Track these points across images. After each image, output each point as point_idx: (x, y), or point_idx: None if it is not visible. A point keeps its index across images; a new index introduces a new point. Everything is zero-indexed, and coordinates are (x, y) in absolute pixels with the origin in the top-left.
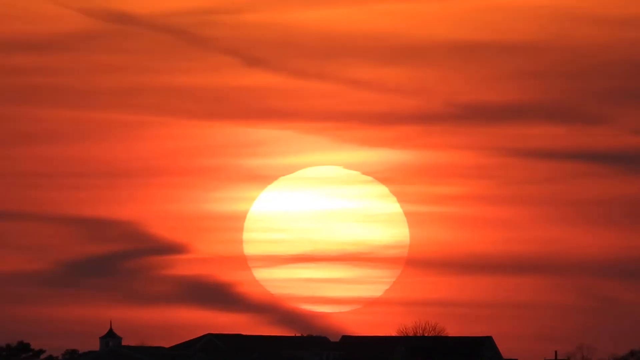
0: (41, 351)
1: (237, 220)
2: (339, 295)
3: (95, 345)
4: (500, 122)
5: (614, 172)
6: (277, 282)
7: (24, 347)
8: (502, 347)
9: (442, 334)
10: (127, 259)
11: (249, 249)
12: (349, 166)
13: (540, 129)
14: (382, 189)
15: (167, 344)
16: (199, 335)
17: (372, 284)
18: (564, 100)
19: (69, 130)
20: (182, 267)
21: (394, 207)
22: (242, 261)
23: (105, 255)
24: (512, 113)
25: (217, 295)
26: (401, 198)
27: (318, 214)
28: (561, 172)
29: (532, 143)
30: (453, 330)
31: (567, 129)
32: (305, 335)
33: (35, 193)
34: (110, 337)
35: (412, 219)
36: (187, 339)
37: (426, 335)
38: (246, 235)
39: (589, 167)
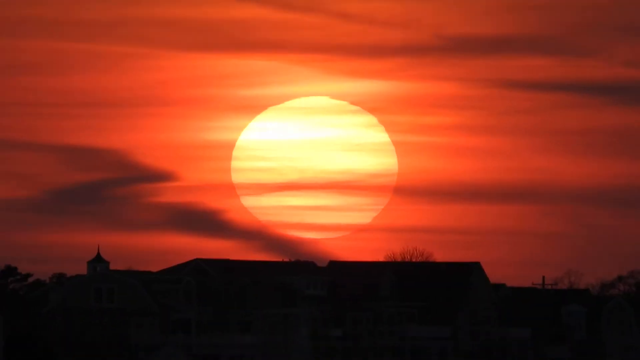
0: (29, 275)
1: (225, 149)
2: (326, 222)
3: (82, 270)
4: (489, 53)
5: (599, 103)
6: (264, 209)
7: (11, 270)
8: (490, 273)
9: (430, 260)
10: (114, 186)
11: (237, 177)
12: (337, 96)
13: (528, 60)
14: (370, 119)
15: (155, 269)
16: (186, 261)
17: (360, 212)
18: (553, 32)
19: (59, 61)
20: (170, 195)
21: (382, 136)
22: (231, 189)
23: (92, 183)
24: (501, 45)
25: (205, 221)
26: (389, 128)
27: (306, 143)
28: (547, 103)
29: (518, 74)
30: (440, 256)
31: (555, 61)
32: (293, 260)
33: (23, 122)
34: (98, 261)
35: (399, 148)
36: (175, 264)
37: (414, 261)
38: (235, 164)
39: (575, 98)
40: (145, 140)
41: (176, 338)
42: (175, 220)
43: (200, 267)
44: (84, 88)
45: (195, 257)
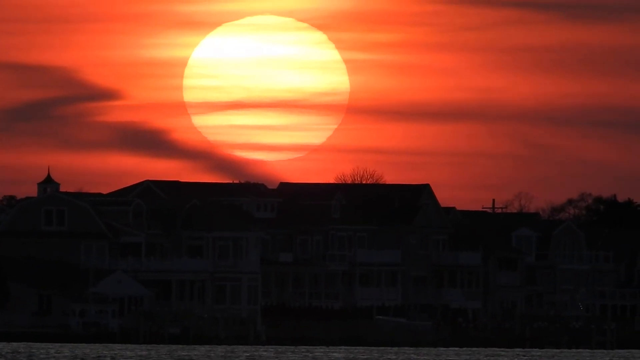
0: None
1: (171, 67)
2: (276, 142)
3: (33, 192)
4: None
5: (548, 19)
6: (212, 128)
7: None
8: (440, 195)
9: (380, 182)
10: (61, 105)
11: (183, 96)
12: (283, 13)
13: None
14: (319, 36)
15: (105, 191)
16: (136, 182)
17: (311, 131)
18: None
19: None
20: (117, 114)
21: (332, 53)
22: (177, 108)
23: (38, 102)
24: None
25: (153, 141)
26: (339, 45)
27: (254, 61)
28: (496, 19)
29: None
30: (391, 178)
31: None
32: (243, 182)
33: None
34: (48, 183)
35: (350, 66)
36: (124, 185)
37: (364, 182)
38: (181, 82)
39: (526, 14)
40: (90, 57)
41: (126, 262)
42: (123, 139)
43: (150, 189)
44: (20, 3)
45: (143, 178)
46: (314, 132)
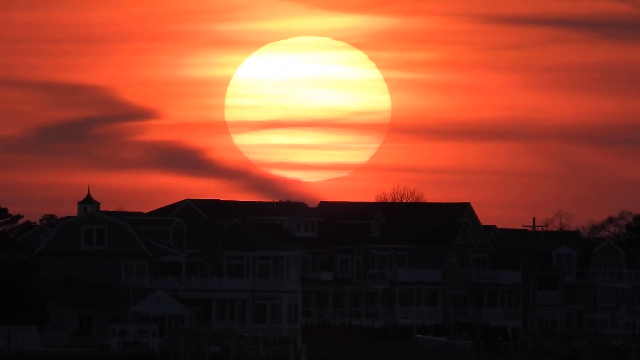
0: (19, 216)
1: (207, 86)
2: (316, 162)
3: (73, 211)
4: None
5: (587, 38)
6: (250, 147)
7: (1, 211)
8: (480, 214)
9: (420, 201)
10: (98, 125)
11: (219, 115)
12: (321, 33)
13: None
14: (359, 55)
15: (145, 209)
16: (175, 201)
17: (351, 150)
18: None
19: None
20: (155, 133)
21: (373, 72)
22: (214, 127)
23: (76, 121)
24: None
25: (190, 160)
26: (379, 64)
27: (292, 81)
28: (534, 38)
29: (505, 8)
30: (431, 196)
31: None
32: (283, 201)
33: (5, 59)
34: (88, 202)
35: (390, 84)
36: (164, 204)
37: (404, 201)
38: (218, 101)
39: (563, 33)
40: (129, 76)
41: (166, 281)
42: (162, 158)
43: (190, 208)
44: (59, 23)
45: (182, 197)
46: (354, 151)
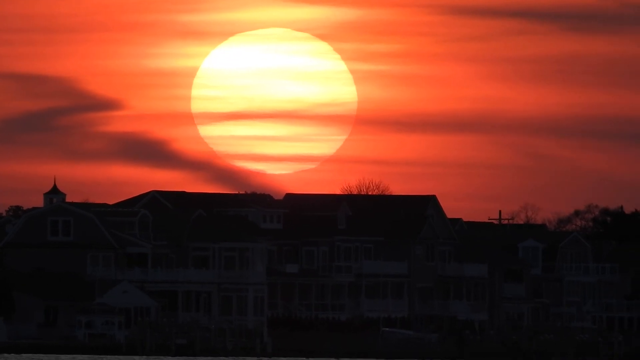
0: None
1: (170, 77)
2: (281, 153)
3: (39, 202)
4: None
5: (550, 29)
6: (214, 139)
7: None
8: (446, 206)
9: (386, 193)
10: (63, 115)
11: (183, 106)
12: (288, 24)
13: None
14: (324, 46)
15: (111, 201)
16: (141, 193)
17: (315, 142)
18: None
19: None
20: (119, 124)
21: (339, 64)
22: (177, 118)
23: (41, 112)
24: None
25: (155, 152)
26: (344, 56)
27: (259, 72)
28: (497, 29)
29: (469, 0)
30: (396, 189)
31: None
32: (249, 193)
33: None
34: (54, 193)
35: (356, 76)
36: (130, 195)
37: (370, 193)
38: (183, 92)
39: (525, 24)
40: (93, 66)
41: (132, 272)
42: (127, 149)
43: (156, 200)
44: (23, 13)
45: (148, 188)
46: (319, 142)
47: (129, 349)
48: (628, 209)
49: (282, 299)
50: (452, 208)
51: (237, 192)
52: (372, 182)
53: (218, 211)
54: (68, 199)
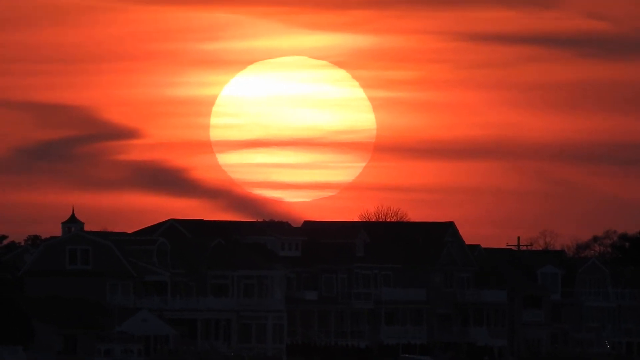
0: (4, 237)
1: (189, 105)
2: (300, 181)
3: (57, 231)
4: (451, 5)
5: (562, 56)
6: (232, 167)
7: None
8: (464, 233)
9: (404, 220)
10: (82, 144)
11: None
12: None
13: (491, 13)
14: (342, 73)
15: (129, 229)
16: (159, 221)
17: (334, 170)
18: None
19: (19, 16)
20: (137, 152)
21: (357, 91)
22: (195, 146)
23: (59, 141)
24: None
25: (172, 180)
26: (362, 83)
27: (276, 100)
28: (511, 56)
29: (481, 27)
30: (414, 215)
31: (518, 13)
32: (267, 220)
33: None
34: (72, 222)
35: (374, 103)
36: (148, 224)
37: (388, 220)
38: (201, 121)
39: (538, 51)
40: (110, 96)
41: (151, 300)
42: (145, 178)
43: (174, 228)
44: (47, 43)
45: (166, 216)
46: (337, 170)
47: None
48: None
49: (301, 327)
50: (470, 234)
51: (255, 220)
52: (390, 209)
53: (236, 239)
54: (86, 228)
